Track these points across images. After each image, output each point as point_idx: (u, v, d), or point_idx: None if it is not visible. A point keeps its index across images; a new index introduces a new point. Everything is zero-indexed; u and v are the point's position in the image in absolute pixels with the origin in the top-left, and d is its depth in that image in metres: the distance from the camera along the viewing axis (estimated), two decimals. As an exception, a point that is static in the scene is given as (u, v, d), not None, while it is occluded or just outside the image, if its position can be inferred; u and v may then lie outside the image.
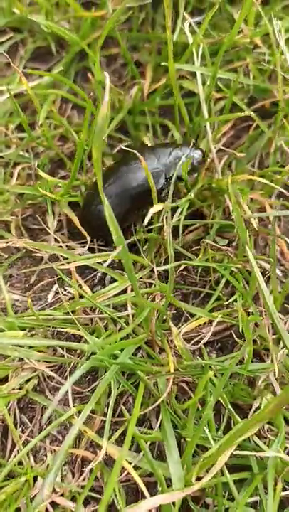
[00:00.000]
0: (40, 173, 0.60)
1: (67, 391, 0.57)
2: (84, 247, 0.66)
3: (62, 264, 0.59)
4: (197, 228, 0.66)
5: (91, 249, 0.65)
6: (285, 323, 0.60)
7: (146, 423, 0.57)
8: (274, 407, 0.41)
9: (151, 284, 0.62)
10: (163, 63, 0.62)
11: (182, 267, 0.63)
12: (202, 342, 0.56)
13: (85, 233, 0.62)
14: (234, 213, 0.55)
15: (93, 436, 0.51)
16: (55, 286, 0.63)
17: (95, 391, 0.50)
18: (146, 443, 0.53)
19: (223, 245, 0.61)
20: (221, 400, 0.52)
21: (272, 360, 0.54)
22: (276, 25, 0.61)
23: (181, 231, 0.59)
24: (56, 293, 0.63)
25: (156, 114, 0.73)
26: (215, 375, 0.54)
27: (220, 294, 0.61)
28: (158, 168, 0.62)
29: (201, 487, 0.47)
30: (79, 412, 0.51)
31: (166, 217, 0.56)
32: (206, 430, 0.50)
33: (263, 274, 0.63)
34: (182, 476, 0.48)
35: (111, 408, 0.51)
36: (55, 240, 0.66)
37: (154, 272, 0.62)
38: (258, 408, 0.53)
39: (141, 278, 0.62)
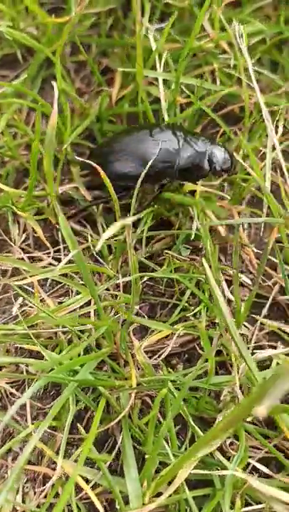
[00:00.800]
0: (0, 185, 0.59)
1: (32, 407, 0.56)
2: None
3: (25, 278, 0.58)
4: (165, 237, 0.65)
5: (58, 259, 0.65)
6: (253, 333, 0.60)
7: (110, 438, 0.56)
8: (225, 425, 0.40)
9: (118, 296, 0.61)
10: (120, 69, 0.61)
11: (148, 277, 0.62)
12: (162, 356, 0.55)
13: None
14: (199, 222, 0.53)
15: (51, 454, 0.50)
16: (20, 299, 0.62)
17: (52, 408, 0.49)
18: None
19: (186, 255, 0.59)
20: (183, 414, 0.51)
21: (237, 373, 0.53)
22: (238, 30, 0.60)
23: (144, 242, 0.58)
24: (21, 306, 0.62)
25: (124, 121, 0.72)
26: (178, 389, 0.53)
27: (186, 305, 0.60)
28: (175, 151, 0.60)
29: (160, 505, 0.47)
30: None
31: (128, 228, 0.54)
32: (166, 446, 0.49)
33: (231, 282, 0.62)
34: (140, 494, 0.47)
35: (68, 426, 0.50)
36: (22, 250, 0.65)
37: (120, 282, 0.61)
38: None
39: (107, 289, 0.61)
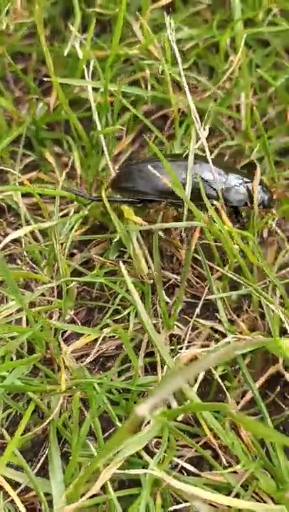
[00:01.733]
0: None
1: None
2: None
3: None
4: (102, 241, 0.66)
5: None
6: (186, 333, 0.60)
7: (45, 442, 0.56)
8: (130, 423, 0.40)
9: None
10: (46, 79, 0.63)
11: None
12: (88, 359, 0.56)
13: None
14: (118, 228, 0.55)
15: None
16: None
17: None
18: (39, 461, 0.54)
19: (112, 259, 0.60)
20: (109, 414, 0.52)
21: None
22: (165, 35, 0.62)
23: (67, 248, 0.59)
24: None
25: (62, 128, 0.73)
26: (110, 391, 0.54)
27: (119, 308, 0.61)
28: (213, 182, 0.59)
29: (83, 506, 0.47)
30: None
31: (54, 233, 0.56)
32: (91, 446, 0.50)
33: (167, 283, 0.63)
34: (64, 496, 0.48)
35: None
36: None
37: (55, 287, 0.62)
38: (149, 422, 0.53)
39: (43, 295, 0.62)
